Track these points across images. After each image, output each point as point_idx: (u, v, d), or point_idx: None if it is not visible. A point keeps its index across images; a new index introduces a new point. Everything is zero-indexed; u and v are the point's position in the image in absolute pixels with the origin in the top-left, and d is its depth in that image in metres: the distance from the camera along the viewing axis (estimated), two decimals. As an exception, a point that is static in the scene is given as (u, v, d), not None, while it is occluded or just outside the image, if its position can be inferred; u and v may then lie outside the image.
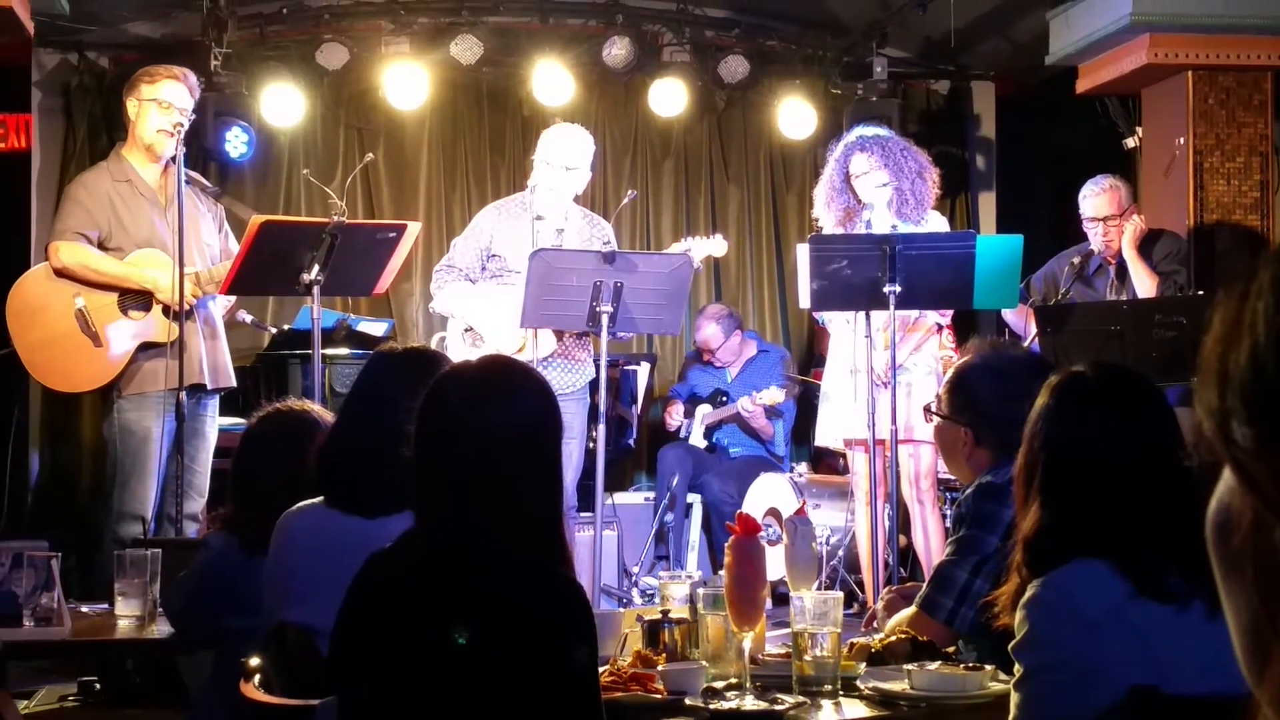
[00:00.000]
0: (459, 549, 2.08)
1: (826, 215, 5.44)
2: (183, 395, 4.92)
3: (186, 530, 4.97)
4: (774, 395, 6.76)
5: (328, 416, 3.16)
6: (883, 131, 5.55)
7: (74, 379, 5.13)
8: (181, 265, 4.85)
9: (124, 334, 5.07)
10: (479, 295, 5.44)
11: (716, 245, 5.57)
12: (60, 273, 5.03)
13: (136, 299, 5.07)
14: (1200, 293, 5.71)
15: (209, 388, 5.15)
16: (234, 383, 5.34)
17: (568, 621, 2.04)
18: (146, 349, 5.08)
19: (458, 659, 1.99)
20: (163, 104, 5.12)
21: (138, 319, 5.07)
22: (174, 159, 4.99)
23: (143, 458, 5.05)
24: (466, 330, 5.45)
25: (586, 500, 5.93)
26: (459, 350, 5.39)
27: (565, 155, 5.42)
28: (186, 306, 4.92)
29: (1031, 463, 2.18)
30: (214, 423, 5.29)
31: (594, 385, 5.40)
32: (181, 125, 5.05)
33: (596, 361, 5.24)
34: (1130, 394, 2.20)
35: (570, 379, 5.40)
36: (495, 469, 2.09)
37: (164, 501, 5.09)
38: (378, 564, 2.13)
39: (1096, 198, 5.84)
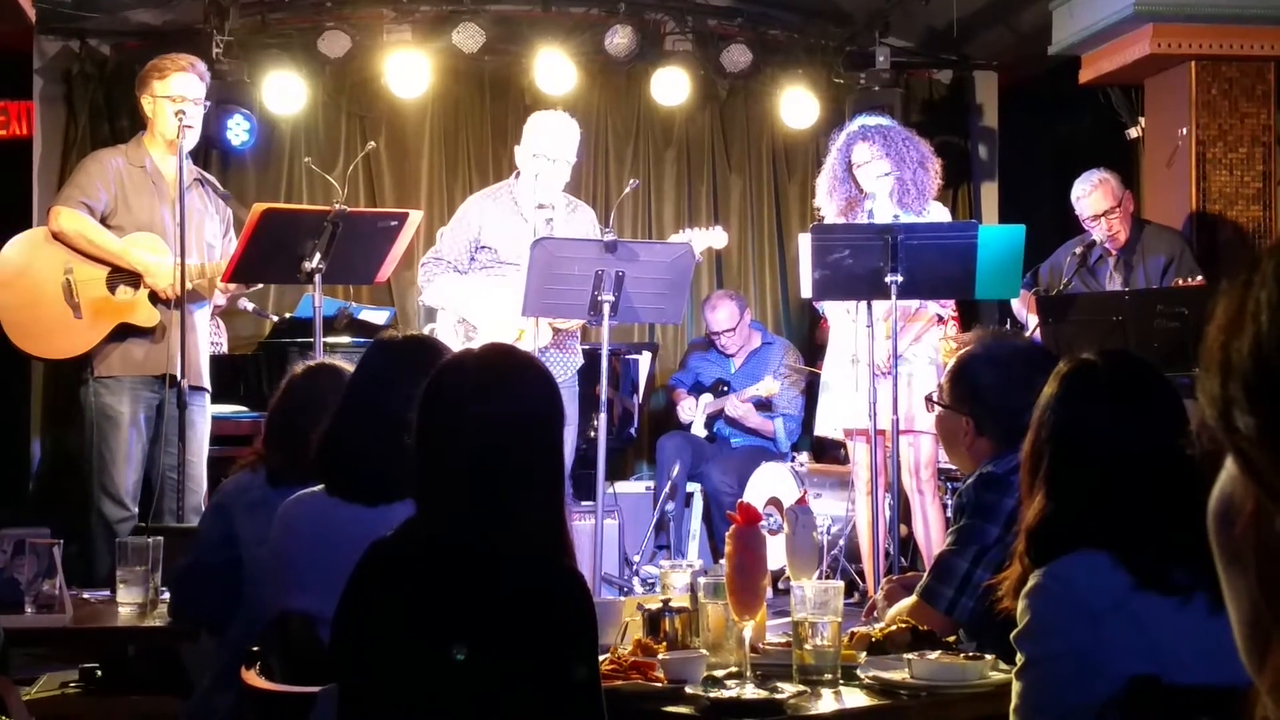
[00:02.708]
0: (461, 540, 2.08)
1: (828, 204, 5.44)
2: (184, 384, 4.93)
3: (189, 522, 4.97)
4: (769, 386, 6.75)
5: None
6: (885, 121, 5.53)
7: (47, 345, 5.13)
8: (183, 253, 4.86)
9: (105, 311, 5.07)
10: (471, 287, 5.42)
11: (716, 237, 5.55)
12: (57, 236, 5.05)
13: (126, 279, 5.08)
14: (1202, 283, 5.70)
15: (179, 380, 5.12)
16: (207, 384, 5.28)
17: (569, 617, 2.04)
18: (124, 332, 5.07)
19: (455, 653, 1.99)
20: (175, 99, 5.15)
21: (123, 299, 5.08)
22: (193, 153, 5.05)
23: (117, 441, 5.06)
24: (459, 322, 5.42)
25: (587, 489, 5.94)
26: (451, 342, 5.38)
27: (562, 148, 5.40)
28: (177, 295, 4.91)
29: (1038, 451, 2.17)
30: (204, 413, 5.27)
31: (595, 374, 5.40)
32: (183, 114, 5.06)
33: (596, 350, 5.24)
34: (1139, 383, 2.19)
35: (560, 369, 5.43)
36: (497, 459, 2.09)
37: (163, 494, 5.09)
38: (379, 552, 2.13)
39: (1090, 196, 5.84)
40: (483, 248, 5.44)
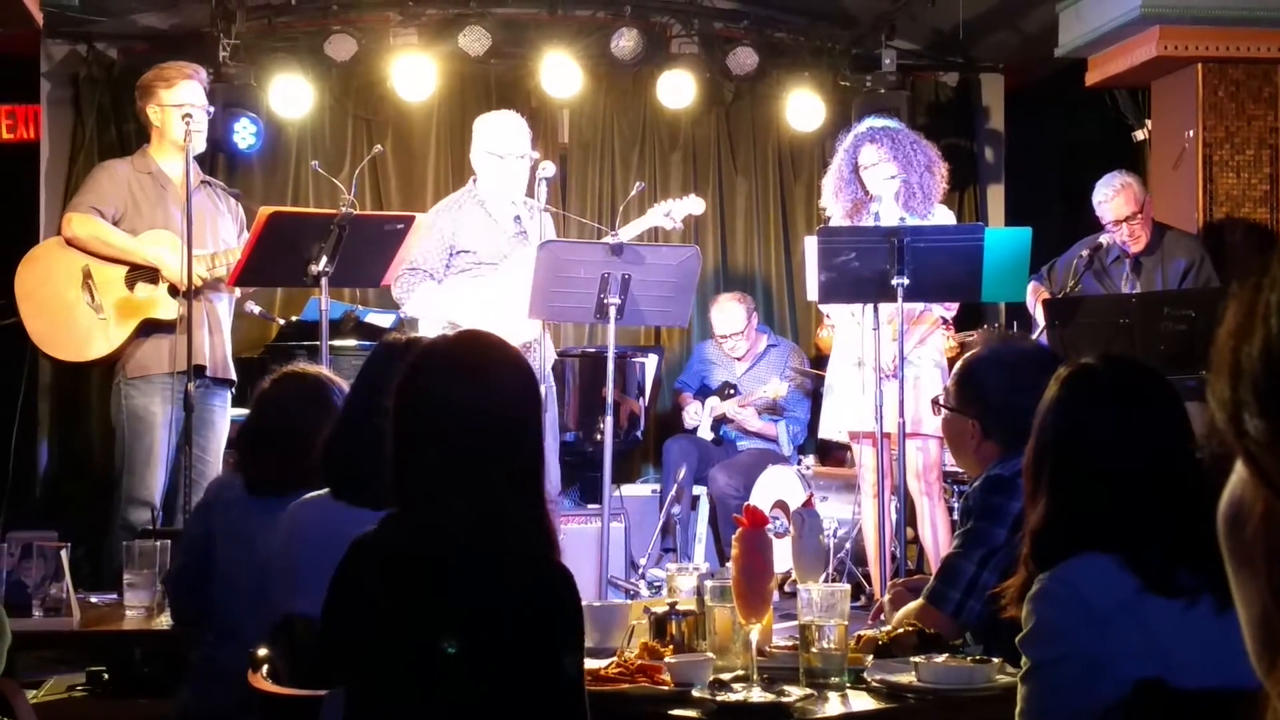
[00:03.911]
0: (441, 535, 2.06)
1: (834, 205, 5.44)
2: (191, 386, 4.94)
3: None
4: (776, 388, 6.74)
5: (336, 379, 3.23)
6: (893, 124, 5.53)
7: (75, 349, 5.17)
8: (190, 248, 4.89)
9: (128, 309, 5.13)
10: (455, 292, 5.43)
11: (694, 204, 5.64)
12: (71, 242, 5.11)
13: (144, 276, 5.13)
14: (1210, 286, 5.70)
15: (208, 373, 5.17)
16: (234, 376, 5.37)
17: (555, 611, 2.03)
18: (149, 328, 5.12)
19: (445, 648, 1.98)
20: (183, 106, 5.19)
21: (143, 295, 5.12)
22: (200, 157, 5.11)
23: (149, 443, 5.09)
24: (446, 327, 5.39)
25: (593, 492, 5.93)
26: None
27: (524, 145, 5.45)
28: (194, 286, 4.95)
29: (1040, 456, 2.17)
30: (225, 413, 5.32)
31: (601, 376, 5.40)
32: (190, 117, 5.09)
33: (602, 352, 5.25)
34: (1140, 386, 2.19)
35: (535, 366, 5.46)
36: (475, 450, 2.06)
37: (175, 491, 5.11)
38: (361, 551, 2.10)
39: (1112, 201, 5.81)
40: (460, 252, 5.45)
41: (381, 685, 2.03)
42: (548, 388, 5.57)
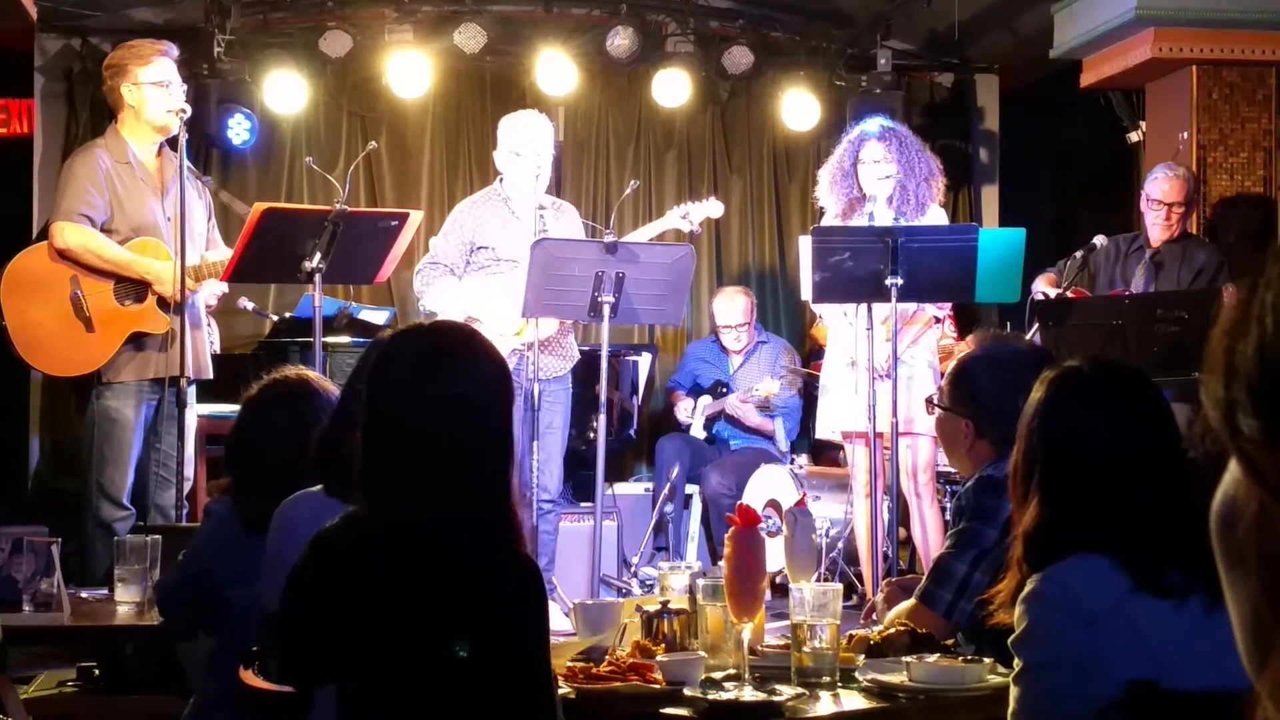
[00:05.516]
0: (412, 527, 2.04)
1: (829, 197, 5.43)
2: (184, 383, 4.91)
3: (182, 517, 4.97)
4: (769, 387, 6.73)
5: (326, 384, 3.16)
6: (901, 128, 5.53)
7: (63, 362, 5.08)
8: (184, 254, 4.83)
9: (116, 322, 5.03)
10: (472, 286, 5.46)
11: (713, 207, 5.70)
12: (63, 253, 4.97)
13: (132, 288, 5.03)
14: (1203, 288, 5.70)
15: (191, 379, 5.11)
16: (211, 375, 5.28)
17: (521, 605, 2.03)
18: (136, 339, 5.04)
19: (420, 645, 1.98)
20: (162, 84, 5.08)
21: (131, 308, 5.04)
22: (174, 141, 4.99)
23: (121, 444, 5.01)
24: (464, 320, 5.45)
25: (586, 490, 5.93)
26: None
27: (545, 143, 5.46)
28: (178, 300, 4.89)
29: (1030, 458, 2.17)
30: (192, 410, 5.26)
31: (594, 374, 5.40)
32: (184, 112, 5.01)
33: (596, 351, 5.25)
34: (1125, 387, 2.20)
35: (556, 365, 5.47)
36: (445, 441, 2.05)
37: (148, 490, 5.07)
38: (323, 548, 2.08)
39: (1168, 181, 5.85)
40: (480, 248, 5.49)
41: (360, 683, 2.02)
42: (566, 389, 5.59)
